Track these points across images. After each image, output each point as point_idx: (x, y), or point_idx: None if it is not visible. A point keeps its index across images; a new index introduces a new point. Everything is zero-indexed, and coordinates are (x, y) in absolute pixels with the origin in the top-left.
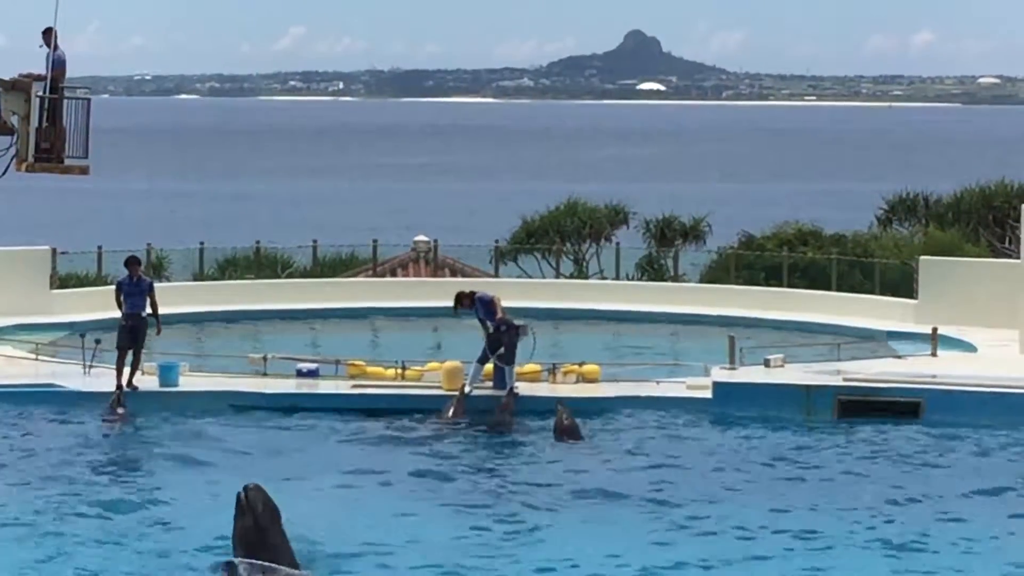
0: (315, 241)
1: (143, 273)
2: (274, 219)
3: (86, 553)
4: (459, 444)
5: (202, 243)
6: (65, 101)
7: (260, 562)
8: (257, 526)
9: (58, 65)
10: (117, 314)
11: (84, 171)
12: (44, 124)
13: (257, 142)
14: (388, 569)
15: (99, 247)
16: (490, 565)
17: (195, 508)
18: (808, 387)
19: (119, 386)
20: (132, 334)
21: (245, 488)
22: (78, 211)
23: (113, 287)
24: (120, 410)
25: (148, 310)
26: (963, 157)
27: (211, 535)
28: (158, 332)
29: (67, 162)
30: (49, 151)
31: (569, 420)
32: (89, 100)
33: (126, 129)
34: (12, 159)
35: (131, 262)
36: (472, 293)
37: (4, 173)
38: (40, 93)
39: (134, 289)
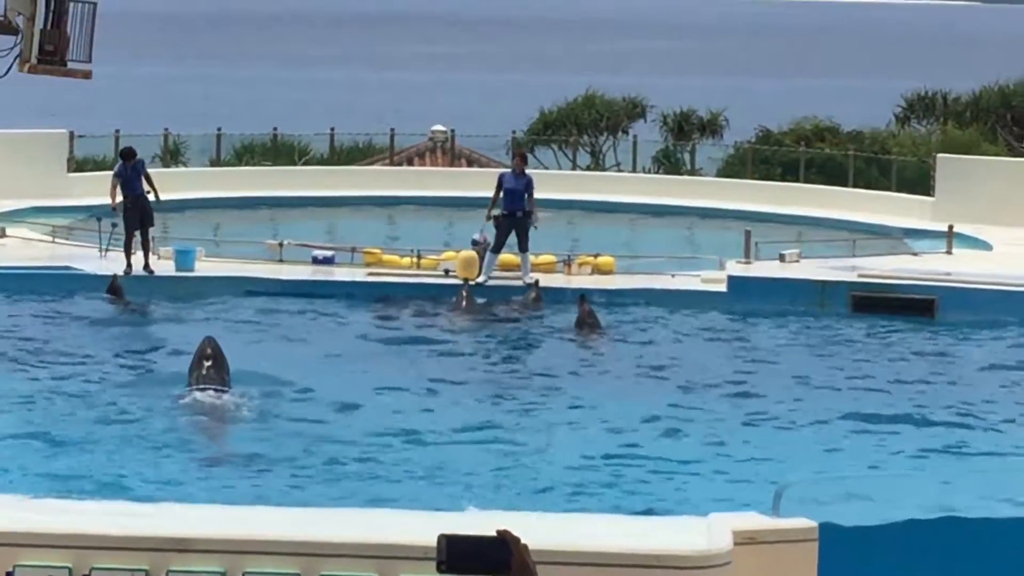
0: (332, 129)
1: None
2: (292, 106)
3: (100, 428)
4: (472, 332)
5: (219, 129)
6: (71, 4)
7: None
8: (214, 362)
9: None
10: None
11: (87, 75)
12: (49, 26)
13: (275, 29)
14: (396, 452)
15: (116, 131)
16: (501, 447)
17: None
18: (823, 282)
19: (129, 265)
20: (138, 214)
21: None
22: (95, 95)
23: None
24: (122, 299)
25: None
26: (982, 56)
27: None
28: (158, 200)
29: (70, 65)
30: (53, 53)
31: (591, 318)
32: (95, 4)
33: (143, 14)
34: (16, 59)
35: (126, 154)
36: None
37: (7, 73)
38: None
39: (132, 174)
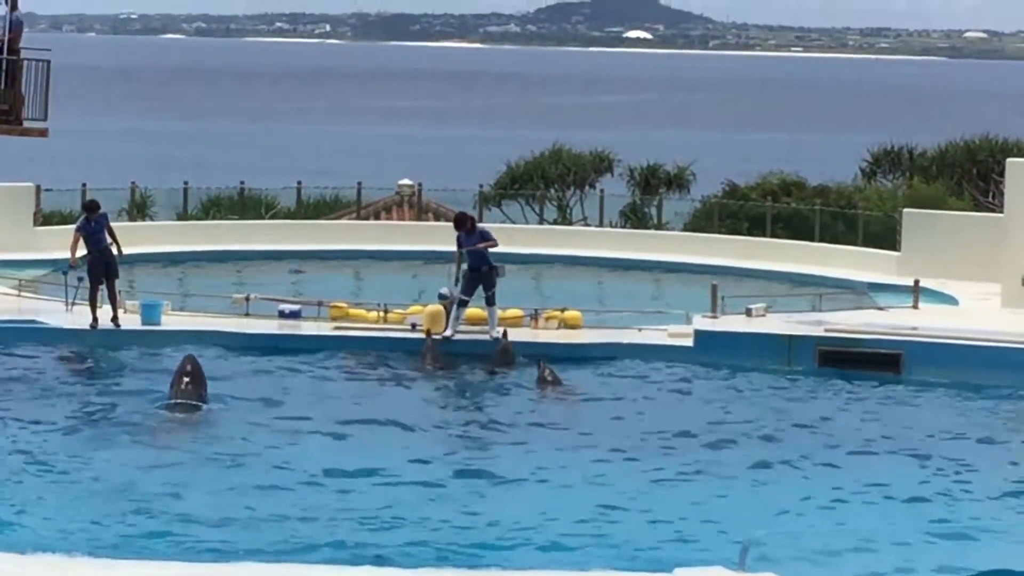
0: (299, 183)
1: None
2: (259, 160)
3: (59, 481)
4: (437, 388)
5: (186, 183)
6: (24, 63)
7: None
8: (193, 379)
9: (16, 26)
10: None
11: (43, 133)
12: (2, 86)
13: (243, 84)
14: (348, 498)
15: (83, 184)
16: (456, 504)
17: None
18: (789, 337)
19: (95, 319)
20: (103, 268)
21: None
22: (62, 149)
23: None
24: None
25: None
26: (948, 111)
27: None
28: (120, 254)
29: (26, 124)
30: (8, 113)
31: (551, 376)
32: (48, 62)
33: (112, 68)
34: None
35: (90, 207)
36: (474, 219)
37: None
38: None
39: (95, 228)
